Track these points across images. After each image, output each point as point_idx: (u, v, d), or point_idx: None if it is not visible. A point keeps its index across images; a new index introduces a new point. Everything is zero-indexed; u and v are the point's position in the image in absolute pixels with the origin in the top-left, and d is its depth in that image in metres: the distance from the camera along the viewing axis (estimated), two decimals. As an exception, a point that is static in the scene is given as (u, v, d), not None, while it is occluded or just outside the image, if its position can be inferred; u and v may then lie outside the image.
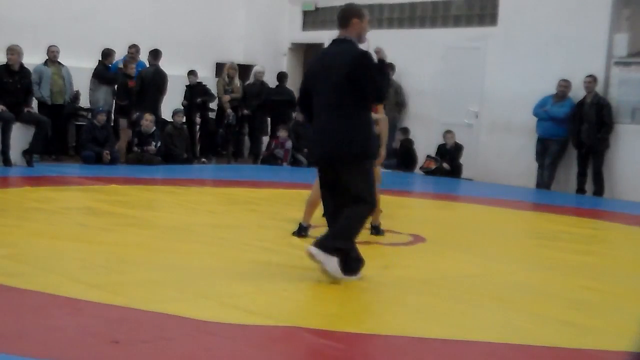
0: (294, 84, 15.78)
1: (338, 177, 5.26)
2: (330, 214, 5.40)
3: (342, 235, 5.19)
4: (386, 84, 5.35)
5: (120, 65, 13.41)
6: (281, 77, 15.19)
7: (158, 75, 13.40)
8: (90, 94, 13.22)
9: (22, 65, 11.58)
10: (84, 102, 13.58)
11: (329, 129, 5.22)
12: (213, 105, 14.80)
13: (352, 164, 5.19)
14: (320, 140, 5.31)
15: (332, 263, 5.12)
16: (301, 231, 6.98)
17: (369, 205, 5.26)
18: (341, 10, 5.53)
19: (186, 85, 14.29)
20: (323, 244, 5.14)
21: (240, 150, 15.17)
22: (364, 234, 7.29)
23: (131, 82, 13.10)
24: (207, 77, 15.18)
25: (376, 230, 7.33)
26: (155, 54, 13.48)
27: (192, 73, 14.27)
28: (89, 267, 5.46)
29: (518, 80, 12.94)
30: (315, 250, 5.12)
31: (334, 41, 5.42)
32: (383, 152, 8.23)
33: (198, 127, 14.35)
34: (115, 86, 13.34)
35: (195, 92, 14.25)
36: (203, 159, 13.96)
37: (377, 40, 16.32)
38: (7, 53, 11.41)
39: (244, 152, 15.19)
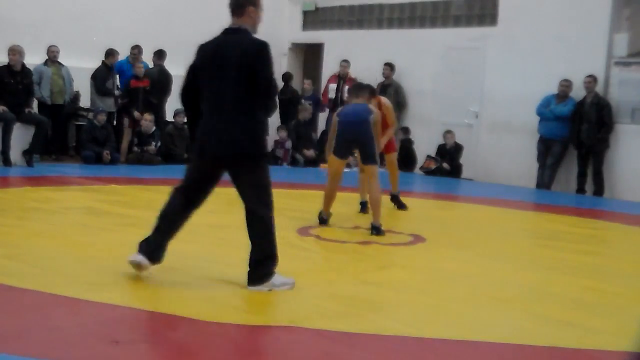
0: (294, 84, 15.80)
1: (236, 178, 5.03)
2: (172, 213, 5.15)
3: (267, 261, 5.02)
4: (276, 92, 5.20)
5: (124, 68, 13.48)
6: (287, 77, 15.25)
7: (163, 75, 13.46)
8: (91, 94, 13.22)
9: (23, 66, 11.59)
10: (85, 102, 13.58)
11: (228, 125, 4.88)
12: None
13: (252, 164, 4.97)
14: (216, 137, 4.92)
15: (277, 280, 5.01)
16: (321, 222, 7.67)
17: (270, 210, 5.04)
18: None
19: None
20: (258, 280, 4.98)
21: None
22: (365, 234, 7.31)
23: (134, 81, 13.11)
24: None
25: (377, 230, 7.32)
26: (160, 54, 13.55)
27: None
28: (89, 267, 5.46)
29: (518, 80, 12.94)
30: (256, 288, 4.96)
31: (227, 30, 5.04)
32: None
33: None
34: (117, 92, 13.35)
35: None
36: None
37: (377, 40, 16.28)
38: (8, 53, 11.42)
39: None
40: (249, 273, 5.02)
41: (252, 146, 4.93)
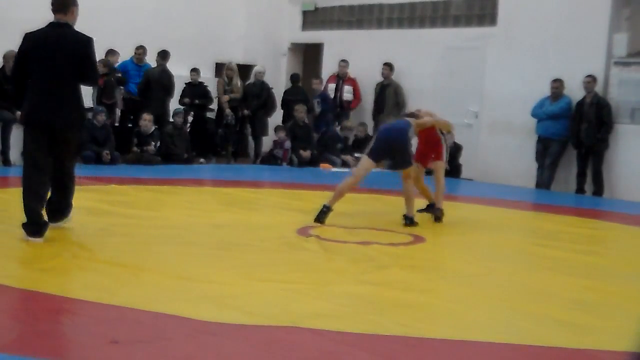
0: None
1: (55, 141, 6.09)
2: (42, 170, 6.16)
3: (69, 208, 6.55)
4: (98, 77, 6.88)
5: (128, 68, 13.52)
6: (295, 78, 15.24)
7: (165, 75, 13.44)
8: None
9: None
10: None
11: (58, 101, 6.02)
12: (213, 105, 14.80)
13: (75, 132, 6.30)
14: (49, 108, 6.02)
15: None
16: (321, 215, 7.69)
17: (74, 165, 6.53)
18: None
19: (186, 83, 14.26)
20: (63, 216, 6.53)
21: (239, 150, 15.10)
22: (363, 234, 7.31)
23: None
24: (207, 77, 15.17)
25: (409, 220, 7.95)
26: (163, 55, 13.56)
27: (195, 71, 14.25)
28: (89, 267, 5.46)
29: (518, 80, 12.93)
30: (61, 224, 6.51)
31: (54, 24, 6.18)
32: None
33: (189, 125, 14.28)
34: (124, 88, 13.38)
35: (195, 91, 14.23)
36: (201, 159, 13.93)
37: (377, 40, 16.23)
38: (7, 59, 11.35)
39: (248, 152, 15.11)
40: (55, 212, 6.41)
41: (78, 118, 6.25)
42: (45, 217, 6.24)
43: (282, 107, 15.02)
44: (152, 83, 13.28)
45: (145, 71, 13.34)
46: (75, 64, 6.06)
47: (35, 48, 6.08)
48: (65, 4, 6.19)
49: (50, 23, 6.19)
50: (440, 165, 8.79)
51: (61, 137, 6.13)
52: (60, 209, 6.51)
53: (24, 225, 6.05)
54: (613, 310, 5.16)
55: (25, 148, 6.24)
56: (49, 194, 6.38)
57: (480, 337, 4.33)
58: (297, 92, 15.06)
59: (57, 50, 6.04)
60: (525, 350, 4.18)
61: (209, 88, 14.43)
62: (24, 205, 6.10)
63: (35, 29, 6.20)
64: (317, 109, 14.77)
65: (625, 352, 3.09)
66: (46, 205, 6.34)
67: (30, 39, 6.17)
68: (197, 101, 14.13)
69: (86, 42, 6.16)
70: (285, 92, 15.09)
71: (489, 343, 4.24)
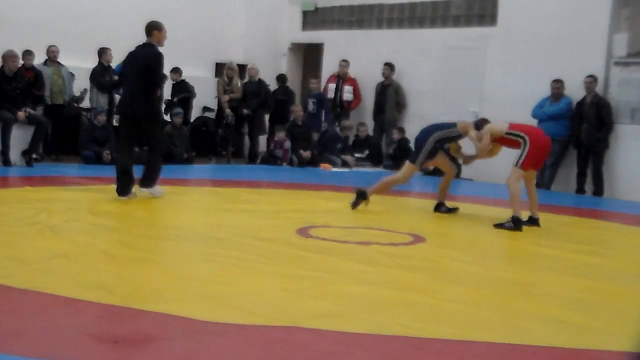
0: (294, 84, 15.80)
1: (140, 130, 8.59)
2: (125, 154, 8.69)
3: (157, 173, 8.77)
4: (161, 80, 9.04)
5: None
6: (283, 78, 15.21)
7: None
8: (91, 94, 13.18)
9: (17, 70, 11.56)
10: (85, 102, 13.55)
11: (135, 99, 8.49)
12: (213, 105, 14.78)
13: (150, 121, 8.58)
14: (130, 105, 8.59)
15: (157, 189, 8.80)
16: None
17: (160, 149, 9.15)
18: (147, 24, 8.62)
19: (172, 84, 14.23)
20: (150, 184, 8.73)
21: (239, 150, 15.08)
22: (362, 234, 7.32)
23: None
24: (207, 77, 15.17)
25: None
26: None
27: (174, 71, 14.18)
28: (89, 267, 5.46)
29: (518, 80, 12.94)
30: (148, 190, 8.73)
31: (143, 44, 8.59)
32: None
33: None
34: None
35: (177, 89, 14.20)
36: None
37: (377, 40, 16.25)
38: (7, 60, 11.32)
39: (244, 152, 15.10)
40: (143, 183, 8.74)
41: (148, 112, 8.56)
42: (130, 185, 8.58)
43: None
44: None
45: (119, 74, 12.97)
46: (146, 73, 8.39)
47: (128, 61, 8.76)
48: (148, 29, 8.57)
49: (143, 43, 8.58)
50: (511, 172, 8.27)
51: (141, 125, 8.55)
52: (145, 178, 8.73)
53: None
54: (613, 310, 5.15)
55: (119, 135, 9.12)
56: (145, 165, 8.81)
57: (480, 337, 4.33)
58: (285, 92, 15.05)
59: (137, 62, 8.48)
60: (525, 350, 4.17)
61: (191, 85, 14.31)
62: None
63: (134, 48, 8.69)
64: (311, 109, 14.76)
65: (625, 352, 3.09)
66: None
67: (128, 54, 8.78)
68: (175, 99, 14.02)
69: (155, 57, 8.48)
70: (274, 93, 15.01)
71: (489, 343, 4.24)
